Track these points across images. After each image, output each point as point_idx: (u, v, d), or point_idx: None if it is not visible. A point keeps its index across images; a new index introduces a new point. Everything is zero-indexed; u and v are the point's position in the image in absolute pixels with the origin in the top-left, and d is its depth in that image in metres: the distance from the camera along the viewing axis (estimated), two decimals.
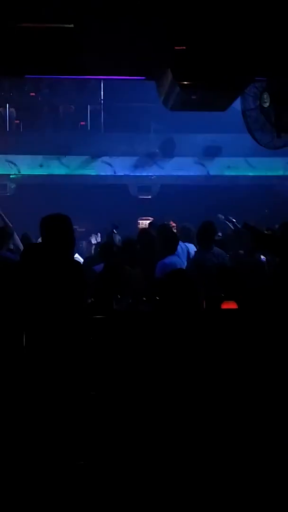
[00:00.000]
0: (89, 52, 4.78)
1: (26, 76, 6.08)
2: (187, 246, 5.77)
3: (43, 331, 3.13)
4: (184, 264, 5.31)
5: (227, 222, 6.72)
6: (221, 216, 6.90)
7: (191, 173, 11.47)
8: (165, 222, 6.30)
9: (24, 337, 3.16)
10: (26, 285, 3.25)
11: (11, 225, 5.51)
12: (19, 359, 3.13)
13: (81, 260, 6.34)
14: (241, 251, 5.56)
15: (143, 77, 5.56)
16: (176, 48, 4.91)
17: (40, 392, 3.04)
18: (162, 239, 5.25)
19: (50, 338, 3.11)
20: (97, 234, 8.42)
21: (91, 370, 3.24)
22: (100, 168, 11.22)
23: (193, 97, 5.34)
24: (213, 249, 5.25)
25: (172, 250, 5.14)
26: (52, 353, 3.07)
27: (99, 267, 5.35)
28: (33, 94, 10.96)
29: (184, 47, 4.92)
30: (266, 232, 5.36)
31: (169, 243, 5.16)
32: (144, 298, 4.10)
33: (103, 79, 9.33)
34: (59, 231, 3.35)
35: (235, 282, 4.19)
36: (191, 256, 5.58)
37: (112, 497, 2.85)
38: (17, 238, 5.48)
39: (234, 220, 6.63)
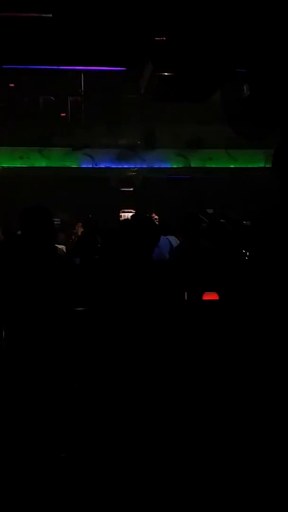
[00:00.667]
0: (68, 42, 4.73)
1: (3, 66, 6.00)
2: (168, 239, 5.78)
3: (24, 323, 3.12)
4: (166, 257, 5.32)
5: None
6: (210, 211, 6.91)
7: (173, 165, 11.47)
8: (147, 215, 6.30)
9: (4, 330, 3.14)
10: (6, 276, 3.23)
11: None
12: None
13: (64, 251, 6.32)
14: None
15: (124, 68, 5.53)
16: (156, 39, 4.89)
17: (22, 387, 3.02)
18: (143, 232, 5.22)
19: (32, 330, 3.10)
20: (77, 226, 8.38)
21: (74, 362, 3.24)
22: (81, 160, 11.14)
23: (173, 88, 5.33)
24: (198, 240, 5.26)
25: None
26: (34, 346, 3.06)
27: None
28: (12, 85, 10.80)
29: (164, 38, 4.90)
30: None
31: (150, 235, 5.15)
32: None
33: (84, 70, 9.25)
34: (38, 223, 3.33)
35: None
36: (173, 249, 5.59)
37: (109, 494, 2.86)
38: None
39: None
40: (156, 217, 6.23)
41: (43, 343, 3.05)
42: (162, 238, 5.52)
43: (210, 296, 3.89)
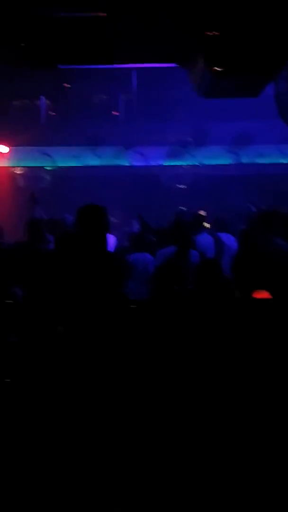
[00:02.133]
0: (121, 40, 4.78)
1: (59, 66, 6.13)
2: (219, 237, 5.72)
3: (79, 320, 3.17)
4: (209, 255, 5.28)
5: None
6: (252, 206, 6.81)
7: (224, 162, 11.36)
8: (198, 212, 6.26)
9: (61, 327, 3.20)
10: (61, 274, 3.30)
11: (43, 217, 5.61)
12: (56, 351, 3.18)
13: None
14: None
15: (175, 64, 5.53)
16: (207, 33, 4.86)
17: (78, 383, 3.08)
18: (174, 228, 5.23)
19: (87, 328, 3.14)
20: (130, 224, 8.45)
21: (129, 360, 3.27)
22: (133, 158, 11.22)
23: (225, 83, 5.28)
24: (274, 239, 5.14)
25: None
26: (89, 344, 3.10)
27: (135, 256, 5.40)
28: (67, 85, 11.00)
29: (215, 32, 4.87)
30: None
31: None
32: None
33: (136, 67, 9.30)
34: (94, 221, 3.38)
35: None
36: (232, 247, 5.51)
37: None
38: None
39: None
40: (204, 214, 6.17)
41: (99, 340, 3.10)
42: (204, 237, 5.48)
43: (261, 294, 3.84)
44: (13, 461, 3.02)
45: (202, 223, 5.73)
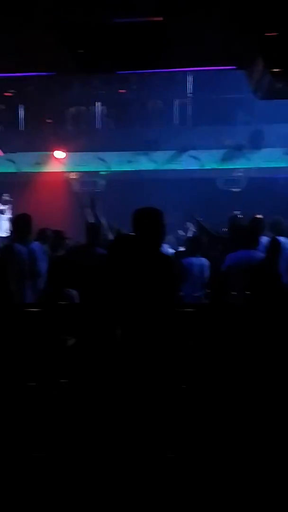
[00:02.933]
0: (179, 44, 4.77)
1: (117, 72, 6.19)
2: (278, 240, 5.58)
3: (136, 323, 3.17)
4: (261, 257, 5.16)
5: None
6: None
7: (280, 165, 11.14)
8: (256, 215, 6.15)
9: (119, 330, 3.21)
10: (117, 277, 3.31)
11: (101, 222, 5.68)
12: (113, 353, 3.18)
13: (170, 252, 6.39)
14: None
15: (234, 67, 5.46)
16: (267, 34, 4.78)
17: (133, 384, 3.07)
18: (233, 232, 5.13)
19: (143, 331, 3.14)
20: (185, 228, 8.42)
21: (181, 363, 3.24)
22: (187, 162, 11.19)
23: (284, 84, 5.17)
24: None
25: (245, 243, 5.00)
26: (146, 347, 3.10)
27: (190, 259, 5.37)
28: (123, 91, 11.13)
29: (275, 33, 4.78)
30: None
31: (241, 236, 5.05)
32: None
33: (192, 71, 9.28)
34: (150, 224, 3.37)
35: None
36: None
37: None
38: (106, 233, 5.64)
39: None
40: (260, 217, 6.05)
41: (155, 343, 3.09)
42: (264, 241, 5.35)
43: None
44: (72, 462, 3.05)
45: (261, 227, 5.62)
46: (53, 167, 11.45)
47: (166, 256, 3.90)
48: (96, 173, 11.71)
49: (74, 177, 12.08)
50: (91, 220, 6.23)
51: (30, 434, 3.24)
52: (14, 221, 5.29)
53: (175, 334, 3.25)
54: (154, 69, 6.40)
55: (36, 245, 5.19)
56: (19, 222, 5.17)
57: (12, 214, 9.43)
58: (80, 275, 4.50)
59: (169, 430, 3.07)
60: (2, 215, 9.05)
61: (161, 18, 4.70)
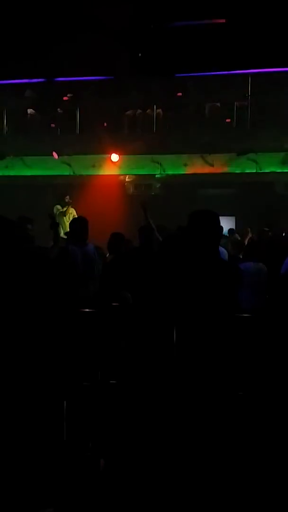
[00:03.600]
0: (241, 46, 4.69)
1: (175, 75, 6.17)
2: None
3: (192, 327, 3.13)
4: None
5: None
6: None
7: None
8: None
9: (175, 332, 3.18)
10: (173, 279, 3.28)
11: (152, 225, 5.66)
12: (168, 355, 3.16)
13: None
14: None
15: None
16: None
17: (189, 390, 3.04)
18: None
19: (199, 335, 3.09)
20: (242, 233, 8.28)
21: (239, 370, 3.17)
22: (245, 165, 11.01)
23: None
24: None
25: None
26: (202, 351, 3.05)
27: (247, 264, 5.26)
28: (180, 94, 11.07)
29: None
30: None
31: None
32: None
33: (251, 73, 9.11)
34: (206, 227, 3.33)
35: None
36: None
37: None
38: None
39: None
40: None
41: (212, 347, 3.04)
42: None
43: None
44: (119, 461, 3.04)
45: None
46: (108, 170, 11.55)
47: (224, 260, 3.84)
48: (151, 176, 11.72)
49: (129, 180, 12.14)
50: (144, 222, 6.22)
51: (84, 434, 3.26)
52: (70, 224, 5.36)
53: (232, 340, 3.19)
54: (214, 72, 6.34)
55: (90, 247, 5.23)
56: (75, 225, 5.23)
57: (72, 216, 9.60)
58: (133, 277, 4.50)
59: (225, 435, 3.01)
60: (64, 217, 9.21)
61: (224, 20, 4.65)
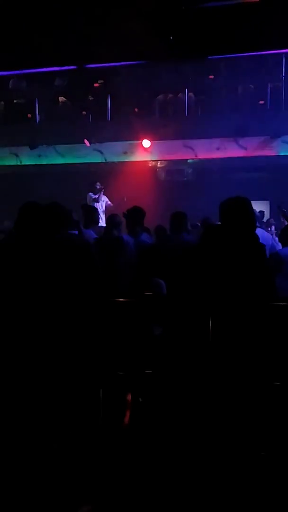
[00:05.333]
0: (274, 25, 4.55)
1: (208, 57, 6.04)
2: None
3: (228, 315, 3.09)
4: None
5: None
6: None
7: None
8: None
9: (211, 321, 3.14)
10: (208, 267, 3.24)
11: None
12: (204, 345, 3.13)
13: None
14: None
15: None
16: None
17: (224, 379, 3.00)
18: None
19: (236, 323, 3.05)
20: (278, 218, 8.13)
21: (275, 359, 3.12)
22: (280, 148, 10.76)
23: None
24: None
25: None
26: (238, 340, 3.01)
27: (284, 250, 5.14)
28: (212, 76, 10.86)
29: None
30: None
31: None
32: None
33: (286, 53, 8.85)
34: (239, 214, 3.28)
35: None
36: None
37: None
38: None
39: None
40: None
41: (248, 336, 2.99)
42: None
43: None
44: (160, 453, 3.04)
45: None
46: (140, 156, 11.48)
47: (259, 245, 3.75)
48: (183, 161, 11.60)
49: (160, 165, 12.05)
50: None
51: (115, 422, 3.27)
52: (126, 213, 5.31)
53: (270, 329, 3.13)
54: (247, 53, 6.18)
55: (145, 237, 5.20)
56: (130, 214, 5.19)
57: (105, 203, 9.62)
58: (166, 264, 4.47)
59: (261, 427, 2.97)
60: (97, 203, 9.23)
61: (257, 0, 4.52)
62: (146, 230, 5.60)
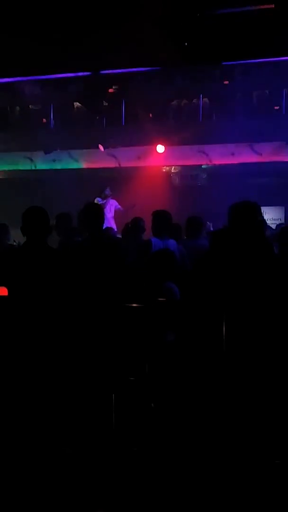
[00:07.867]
0: None
1: (223, 63, 6.03)
2: None
3: (242, 319, 3.08)
4: None
5: None
6: None
7: None
8: None
9: (225, 323, 3.13)
10: (219, 270, 3.23)
11: None
12: (218, 351, 3.11)
13: None
14: None
15: None
16: None
17: (240, 383, 2.99)
18: None
19: (250, 327, 3.04)
20: None
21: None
22: None
23: None
24: None
25: None
26: (253, 343, 2.99)
27: None
28: (226, 82, 10.86)
29: None
30: None
31: None
32: None
33: None
34: (246, 218, 3.28)
35: None
36: None
37: None
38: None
39: None
40: None
41: (264, 339, 2.97)
42: None
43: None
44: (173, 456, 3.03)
45: None
46: (154, 161, 11.50)
47: (267, 246, 3.72)
48: (198, 166, 11.59)
49: (174, 171, 12.06)
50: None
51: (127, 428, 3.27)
52: (152, 216, 5.29)
53: (283, 332, 3.11)
54: (262, 58, 6.17)
55: (172, 242, 5.17)
56: (157, 218, 5.16)
57: (113, 208, 9.65)
58: (180, 269, 4.46)
59: (277, 435, 2.94)
60: (104, 209, 9.24)
61: (272, 6, 4.51)
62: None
